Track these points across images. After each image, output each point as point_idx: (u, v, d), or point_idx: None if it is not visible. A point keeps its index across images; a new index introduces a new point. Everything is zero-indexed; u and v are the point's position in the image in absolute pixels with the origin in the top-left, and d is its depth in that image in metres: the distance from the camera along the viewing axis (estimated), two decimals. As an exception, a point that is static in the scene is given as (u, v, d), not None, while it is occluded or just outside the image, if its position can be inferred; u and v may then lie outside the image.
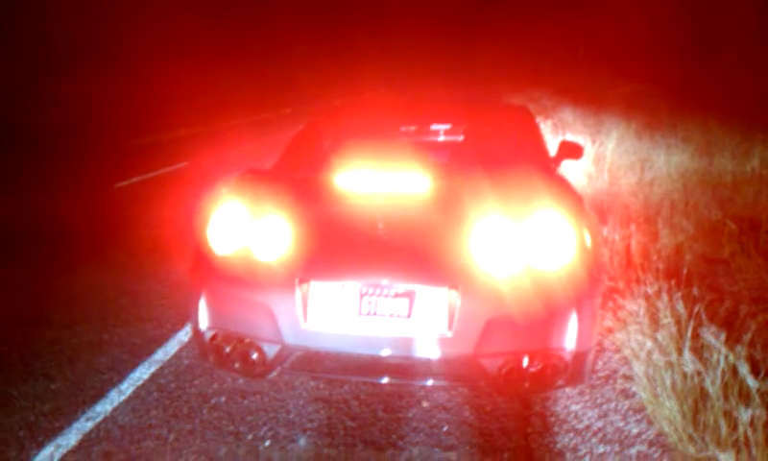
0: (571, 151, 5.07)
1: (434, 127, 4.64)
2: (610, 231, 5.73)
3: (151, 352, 4.24)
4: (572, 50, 32.86)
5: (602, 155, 9.75)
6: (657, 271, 4.67)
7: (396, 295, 3.17)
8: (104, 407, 3.62)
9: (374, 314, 3.18)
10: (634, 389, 3.75)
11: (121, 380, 3.90)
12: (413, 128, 4.67)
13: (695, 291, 3.86)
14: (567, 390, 3.75)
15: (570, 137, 10.54)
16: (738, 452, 2.85)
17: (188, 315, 4.58)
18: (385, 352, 3.20)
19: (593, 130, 12.22)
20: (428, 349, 3.17)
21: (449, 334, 3.13)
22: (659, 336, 3.59)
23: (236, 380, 3.87)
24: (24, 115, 17.31)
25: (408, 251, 3.29)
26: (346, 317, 3.20)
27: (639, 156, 9.57)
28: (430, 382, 3.28)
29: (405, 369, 3.27)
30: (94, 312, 4.88)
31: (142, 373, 3.99)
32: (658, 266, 4.77)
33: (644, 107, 15.53)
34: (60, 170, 11.26)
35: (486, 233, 3.24)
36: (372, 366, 3.27)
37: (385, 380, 3.30)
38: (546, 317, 3.19)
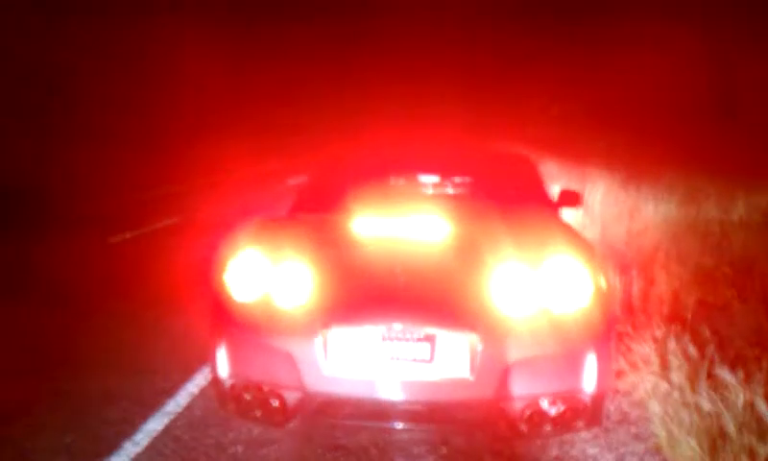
0: (570, 199, 5.18)
1: (444, 174, 4.74)
2: (610, 278, 5.82)
3: (162, 404, 4.22)
4: (544, 108, 32.84)
5: (590, 205, 9.92)
6: (660, 315, 4.75)
7: (418, 339, 3.21)
8: (120, 459, 3.58)
9: (396, 359, 3.21)
10: (647, 432, 3.79)
11: (134, 432, 3.86)
12: (424, 174, 4.76)
13: (706, 333, 3.93)
14: (583, 434, 3.77)
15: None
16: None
17: (195, 367, 4.65)
18: (407, 397, 3.23)
19: (579, 181, 12.43)
20: (450, 393, 3.20)
21: (471, 378, 3.16)
22: (673, 377, 3.64)
23: (252, 430, 3.85)
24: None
25: (428, 295, 3.34)
26: (367, 362, 3.22)
27: (627, 205, 9.75)
28: (452, 427, 3.31)
29: (427, 414, 3.30)
30: (99, 365, 4.85)
31: (155, 424, 3.96)
32: (660, 311, 4.86)
33: (626, 159, 15.80)
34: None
35: (504, 278, 3.31)
36: (394, 411, 3.29)
37: (407, 426, 3.32)
38: (566, 360, 3.25)
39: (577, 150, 18.20)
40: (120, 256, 9.01)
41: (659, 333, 4.17)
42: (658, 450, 3.60)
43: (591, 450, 3.65)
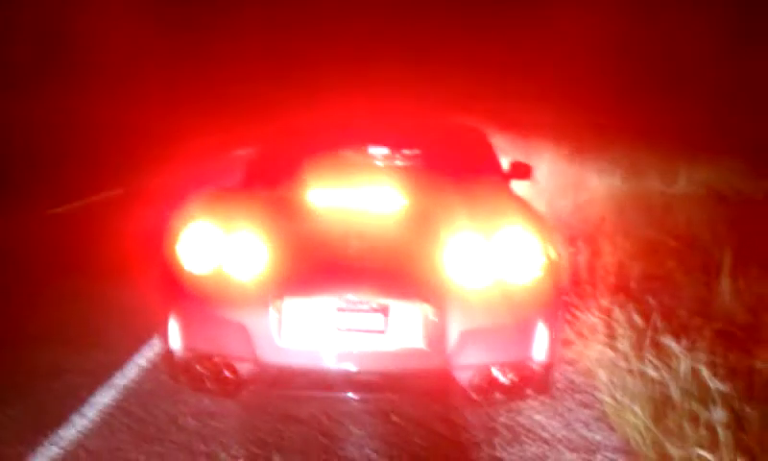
0: (521, 171, 5.24)
1: (396, 145, 4.74)
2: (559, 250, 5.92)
3: (110, 377, 4.16)
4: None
5: (537, 178, 10.04)
6: (605, 286, 4.86)
7: (371, 310, 3.23)
8: (68, 432, 3.53)
9: (350, 330, 3.23)
10: (593, 400, 3.89)
11: (83, 406, 3.80)
12: (375, 146, 4.75)
13: (651, 303, 4.04)
14: (530, 402, 3.85)
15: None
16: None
17: (143, 340, 4.60)
18: (360, 368, 3.25)
19: (524, 154, 12.58)
20: (403, 363, 3.24)
21: (424, 348, 3.20)
22: (619, 345, 3.74)
23: (202, 401, 3.83)
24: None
25: (381, 266, 3.36)
26: (321, 333, 3.23)
27: (572, 178, 9.90)
28: (405, 396, 3.35)
29: (381, 383, 3.32)
30: (44, 339, 4.75)
31: (104, 397, 3.91)
32: (606, 282, 4.97)
33: (571, 131, 16.04)
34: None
35: (457, 249, 3.34)
36: (348, 381, 3.31)
37: (360, 396, 3.35)
38: (516, 329, 3.31)
39: (520, 122, 18.37)
40: (64, 227, 8.80)
41: (604, 303, 4.27)
42: (603, 417, 3.70)
43: (538, 417, 3.73)
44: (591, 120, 18.33)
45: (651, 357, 3.54)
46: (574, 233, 6.83)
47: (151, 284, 5.20)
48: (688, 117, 18.27)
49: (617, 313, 4.16)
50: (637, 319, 3.88)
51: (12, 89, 20.83)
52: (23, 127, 17.52)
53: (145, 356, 4.46)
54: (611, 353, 3.82)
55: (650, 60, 25.57)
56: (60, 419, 3.66)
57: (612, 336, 3.97)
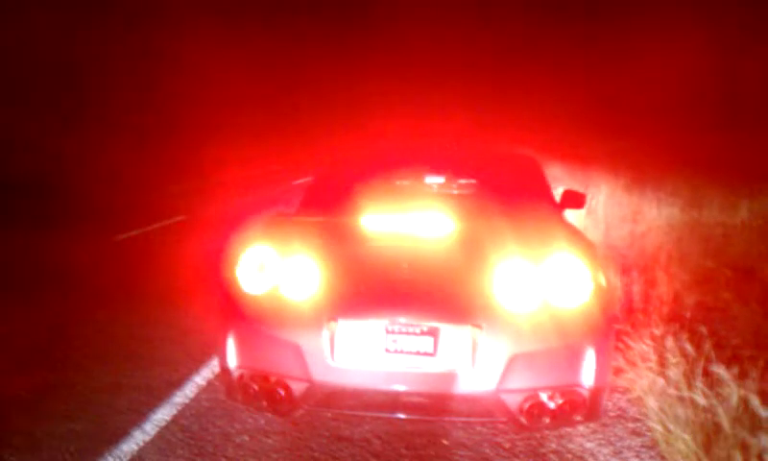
0: (574, 200, 5.25)
1: (449, 174, 4.82)
2: (611, 278, 5.90)
3: (169, 395, 4.31)
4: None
5: (594, 208, 10.00)
6: (659, 315, 4.83)
7: (422, 333, 3.30)
8: (129, 447, 3.67)
9: (400, 352, 3.30)
10: (644, 428, 3.87)
11: (143, 421, 3.96)
12: (429, 173, 4.84)
13: (703, 332, 4.01)
14: (581, 429, 3.86)
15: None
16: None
17: (201, 360, 4.75)
18: (410, 389, 3.32)
19: (582, 184, 12.52)
20: (452, 385, 3.29)
21: (473, 371, 3.25)
22: (670, 374, 3.73)
23: (258, 420, 3.95)
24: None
25: (432, 290, 3.43)
26: (372, 354, 3.32)
27: (631, 208, 9.82)
28: (454, 419, 3.40)
29: (430, 405, 3.38)
30: (108, 357, 4.95)
31: (163, 414, 4.05)
32: (660, 311, 4.94)
33: (630, 163, 15.90)
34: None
35: (507, 274, 3.40)
36: (398, 402, 3.38)
37: (410, 416, 3.41)
38: (565, 354, 3.33)
39: (580, 151, 18.24)
40: (127, 253, 9.12)
41: (657, 332, 4.26)
42: (653, 445, 3.69)
43: (589, 445, 3.73)
44: (661, 152, 18.14)
45: (702, 386, 3.51)
46: (629, 263, 6.78)
47: (208, 307, 5.43)
48: (756, 150, 17.90)
49: (670, 342, 4.13)
50: (690, 348, 3.85)
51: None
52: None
53: (203, 376, 4.60)
54: (662, 382, 3.80)
55: (729, 95, 25.21)
56: (121, 434, 3.81)
57: (663, 365, 3.95)
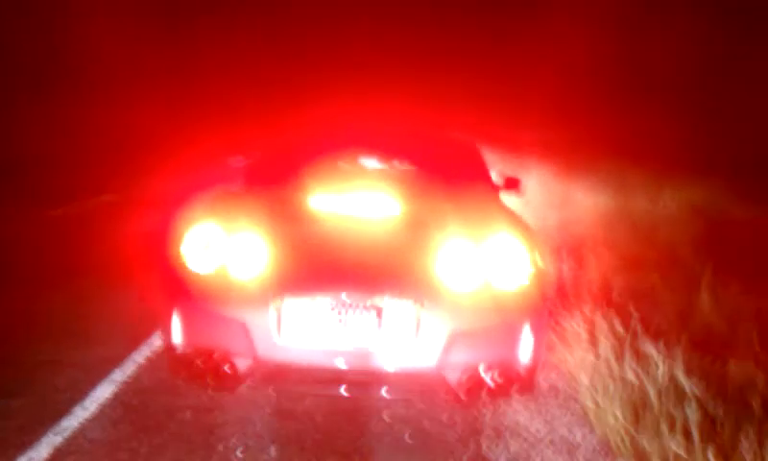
0: (510, 184, 5.41)
1: (392, 154, 4.91)
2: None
3: (109, 372, 4.29)
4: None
5: (524, 193, 10.22)
6: (589, 296, 5.05)
7: (366, 309, 3.39)
8: (70, 423, 3.66)
9: (345, 328, 3.39)
10: (574, 403, 4.06)
11: (83, 398, 3.94)
12: (372, 153, 4.92)
13: (631, 310, 4.21)
14: (514, 405, 4.01)
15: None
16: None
17: (140, 339, 4.74)
18: (354, 365, 3.41)
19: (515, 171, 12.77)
20: (396, 361, 3.39)
21: (415, 347, 3.36)
22: (600, 351, 3.92)
23: (200, 398, 3.96)
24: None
25: (376, 268, 3.52)
26: (317, 331, 3.39)
27: (560, 195, 10.11)
28: (396, 394, 3.51)
29: (373, 381, 3.48)
30: (44, 335, 4.88)
31: (103, 391, 4.04)
32: (589, 292, 5.15)
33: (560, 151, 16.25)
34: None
35: (449, 253, 3.51)
36: (342, 379, 3.47)
37: (354, 393, 3.50)
38: (504, 331, 3.48)
39: (506, 136, 18.48)
40: (65, 229, 8.92)
41: (587, 311, 4.45)
42: (583, 418, 3.87)
43: (521, 418, 3.89)
44: (579, 137, 18.55)
45: (631, 363, 3.71)
46: (560, 247, 7.01)
47: (146, 286, 5.39)
48: (674, 134, 18.50)
49: (599, 322, 4.34)
50: (619, 327, 4.05)
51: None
52: (32, 132, 17.66)
53: (142, 354, 4.59)
54: (592, 359, 3.99)
55: (638, 75, 25.77)
56: (62, 411, 3.78)
57: (593, 343, 4.14)
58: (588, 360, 4.02)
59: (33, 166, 13.91)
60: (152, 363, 4.45)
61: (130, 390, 4.08)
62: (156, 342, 4.77)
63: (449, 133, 5.39)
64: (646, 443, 3.28)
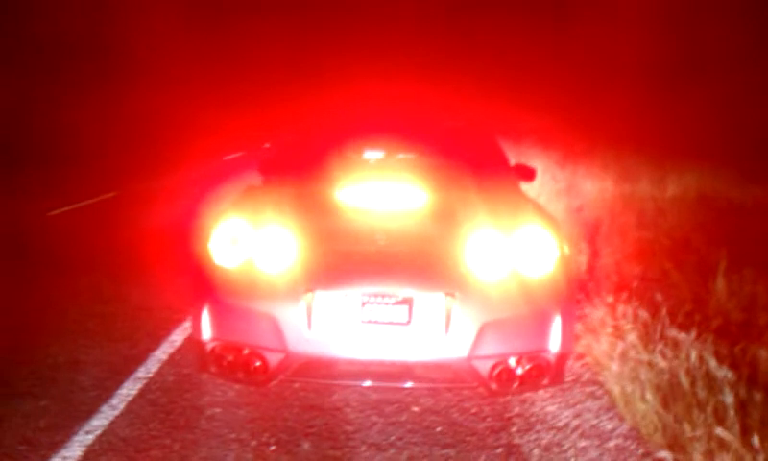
0: (525, 173, 5.40)
1: (414, 142, 4.88)
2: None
3: (132, 370, 4.28)
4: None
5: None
6: (609, 284, 5.05)
7: (396, 302, 3.38)
8: (100, 422, 3.64)
9: (375, 321, 3.38)
10: (600, 391, 4.06)
11: (110, 397, 3.92)
12: (395, 144, 4.89)
13: (657, 298, 4.22)
14: (541, 394, 4.02)
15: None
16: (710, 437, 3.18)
17: (159, 335, 4.73)
18: (385, 358, 3.40)
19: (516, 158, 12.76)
20: (426, 353, 3.39)
21: (446, 339, 3.36)
22: (627, 338, 3.92)
23: (226, 394, 3.96)
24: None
25: (406, 260, 3.52)
26: (348, 325, 3.39)
27: (565, 183, 10.11)
28: (428, 385, 3.51)
29: (404, 374, 3.48)
30: (63, 334, 4.87)
31: (129, 389, 4.03)
32: (608, 280, 5.16)
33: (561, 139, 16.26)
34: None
35: (478, 244, 3.51)
36: (373, 372, 3.47)
37: (385, 385, 3.51)
38: (534, 321, 3.48)
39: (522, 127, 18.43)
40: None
41: (610, 300, 4.45)
42: (611, 407, 3.88)
43: (550, 408, 3.90)
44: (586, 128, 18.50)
45: (660, 349, 3.72)
46: (570, 236, 7.01)
47: (162, 284, 5.38)
48: (685, 124, 18.39)
49: (622, 309, 4.34)
50: (643, 314, 4.06)
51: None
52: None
53: (163, 351, 4.58)
54: (617, 346, 3.99)
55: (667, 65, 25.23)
56: (90, 410, 3.77)
57: (619, 330, 4.14)
58: (613, 347, 4.02)
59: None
60: (175, 360, 4.45)
61: (156, 387, 4.07)
62: (176, 339, 4.77)
63: (466, 119, 5.34)
64: (683, 429, 3.28)
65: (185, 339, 4.74)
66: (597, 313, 4.49)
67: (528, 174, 5.36)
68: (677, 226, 7.34)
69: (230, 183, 4.16)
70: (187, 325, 4.97)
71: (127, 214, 9.76)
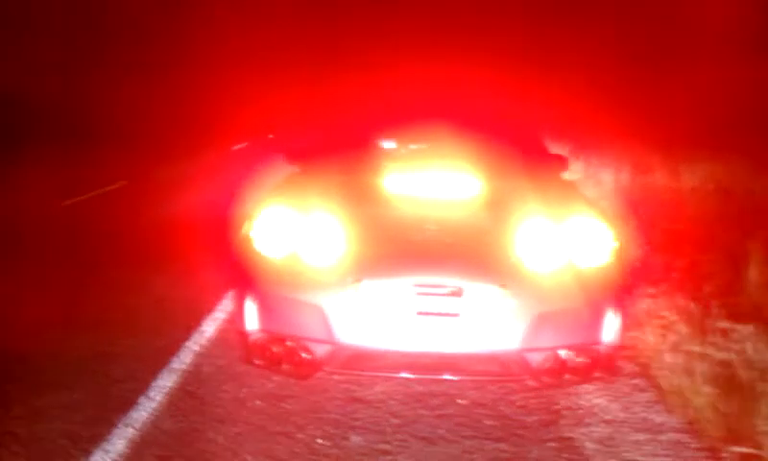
0: (560, 162, 5.30)
1: (460, 128, 4.76)
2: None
3: (166, 361, 4.18)
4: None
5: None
6: (645, 276, 4.98)
7: (447, 293, 3.29)
8: (140, 414, 3.56)
9: (426, 312, 3.29)
10: (645, 383, 3.98)
11: (146, 389, 3.83)
12: (439, 130, 4.78)
13: (705, 289, 4.14)
14: (587, 386, 3.93)
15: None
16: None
17: (189, 325, 4.64)
18: (435, 349, 3.32)
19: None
20: (477, 344, 3.31)
21: (497, 330, 3.27)
22: (679, 330, 3.84)
23: (266, 385, 3.87)
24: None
25: (457, 250, 3.43)
26: (397, 315, 3.30)
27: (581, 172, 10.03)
28: (479, 378, 3.43)
29: (454, 366, 3.40)
30: (91, 326, 4.77)
31: (165, 381, 3.93)
32: (645, 272, 5.08)
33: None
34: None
35: (530, 234, 3.42)
36: (423, 363, 3.38)
37: (436, 377, 3.42)
38: (587, 312, 3.39)
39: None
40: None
41: (652, 291, 4.38)
42: (659, 400, 3.80)
43: (597, 401, 3.82)
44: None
45: (712, 340, 3.64)
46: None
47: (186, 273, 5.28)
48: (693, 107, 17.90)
49: (663, 300, 4.27)
50: (690, 305, 3.99)
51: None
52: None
53: (195, 341, 4.49)
54: (664, 338, 3.92)
55: None
56: (127, 402, 3.68)
57: (664, 321, 4.07)
58: (660, 339, 3.94)
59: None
60: (208, 351, 4.35)
61: (192, 379, 3.98)
62: (208, 329, 4.68)
63: (511, 108, 5.23)
64: (753, 422, 3.20)
65: (217, 329, 4.65)
66: (641, 304, 4.41)
67: (563, 163, 5.27)
68: (700, 216, 7.26)
69: (252, 171, 4.00)
70: (217, 315, 4.90)
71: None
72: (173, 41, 27.71)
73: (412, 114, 5.12)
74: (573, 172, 5.04)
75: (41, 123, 15.99)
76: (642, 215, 7.16)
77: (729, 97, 16.46)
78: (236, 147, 17.92)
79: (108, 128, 16.08)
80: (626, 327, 4.33)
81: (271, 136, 17.39)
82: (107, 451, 3.23)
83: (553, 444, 3.39)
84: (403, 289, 3.30)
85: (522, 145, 4.61)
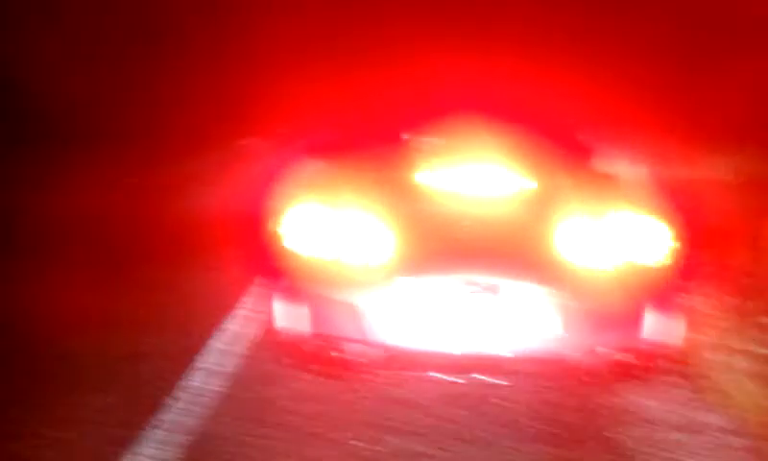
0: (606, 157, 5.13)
1: (498, 120, 4.62)
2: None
3: (190, 361, 4.10)
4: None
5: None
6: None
7: (487, 291, 3.19)
8: (167, 415, 3.49)
9: (467, 311, 3.19)
10: (681, 381, 3.87)
11: (172, 389, 3.76)
12: (477, 122, 4.64)
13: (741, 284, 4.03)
14: (622, 385, 3.82)
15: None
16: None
17: (213, 323, 4.56)
18: (477, 350, 3.22)
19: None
20: (518, 344, 3.21)
21: (548, 330, 3.18)
22: (719, 326, 3.74)
23: (291, 386, 3.77)
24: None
25: (497, 247, 3.32)
26: (439, 314, 3.20)
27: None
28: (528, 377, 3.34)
29: (495, 365, 3.32)
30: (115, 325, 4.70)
31: (191, 381, 3.86)
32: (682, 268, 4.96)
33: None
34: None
35: (575, 230, 3.31)
36: (464, 363, 3.29)
37: (483, 378, 3.33)
38: (631, 311, 3.29)
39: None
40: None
41: (691, 286, 4.27)
42: (698, 397, 3.69)
43: (637, 399, 3.70)
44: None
45: (753, 336, 3.54)
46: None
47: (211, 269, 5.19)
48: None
49: (700, 297, 4.16)
50: (731, 300, 3.88)
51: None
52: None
53: (222, 341, 4.41)
54: (705, 335, 3.81)
55: None
56: (155, 403, 3.60)
57: (703, 317, 3.96)
58: (699, 336, 3.83)
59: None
60: (232, 350, 4.27)
61: (218, 379, 3.90)
62: (230, 327, 4.60)
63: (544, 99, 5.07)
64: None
65: (239, 328, 4.57)
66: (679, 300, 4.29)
67: (609, 157, 5.12)
68: (739, 211, 7.10)
69: (272, 167, 3.88)
70: (240, 313, 4.81)
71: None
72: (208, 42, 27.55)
73: (443, 107, 4.99)
74: (620, 167, 4.90)
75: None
76: (685, 209, 7.01)
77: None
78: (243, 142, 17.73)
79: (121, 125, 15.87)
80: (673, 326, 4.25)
81: (283, 131, 17.07)
82: (135, 454, 3.16)
83: (592, 443, 3.30)
84: (444, 288, 3.20)
85: (566, 140, 4.45)
